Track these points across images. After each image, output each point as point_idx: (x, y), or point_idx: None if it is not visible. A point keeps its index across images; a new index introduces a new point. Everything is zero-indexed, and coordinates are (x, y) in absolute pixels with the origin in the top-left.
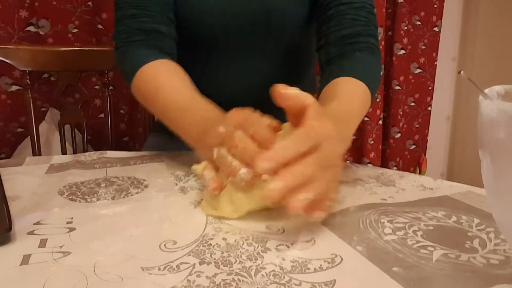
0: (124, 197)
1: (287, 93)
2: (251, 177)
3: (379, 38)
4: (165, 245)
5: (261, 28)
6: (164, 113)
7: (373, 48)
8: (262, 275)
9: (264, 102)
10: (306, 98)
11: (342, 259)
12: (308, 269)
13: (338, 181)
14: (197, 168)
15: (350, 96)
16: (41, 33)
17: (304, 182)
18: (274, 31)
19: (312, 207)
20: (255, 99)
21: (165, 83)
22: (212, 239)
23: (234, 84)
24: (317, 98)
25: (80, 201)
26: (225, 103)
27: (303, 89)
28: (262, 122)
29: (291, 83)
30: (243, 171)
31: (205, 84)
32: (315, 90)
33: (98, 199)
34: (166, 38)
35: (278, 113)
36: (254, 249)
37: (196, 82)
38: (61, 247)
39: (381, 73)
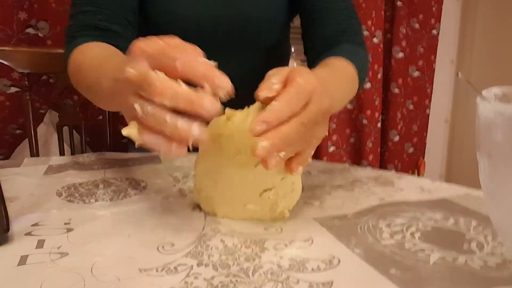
0: (122, 199)
1: (267, 90)
2: (205, 133)
3: (378, 41)
4: (163, 247)
5: (237, 34)
6: (86, 77)
7: (360, 43)
8: (260, 274)
9: (240, 102)
10: (283, 70)
11: (339, 260)
12: (306, 268)
13: (321, 137)
14: (130, 132)
15: (338, 70)
16: (40, 35)
17: (288, 143)
18: (250, 36)
19: (289, 161)
20: (231, 98)
21: (96, 55)
22: (210, 240)
23: None
24: None
25: (78, 203)
26: None
27: None
28: (189, 49)
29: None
30: (194, 129)
31: None
32: None
33: (96, 201)
34: (118, 37)
35: None
36: (252, 250)
37: None
38: (58, 248)
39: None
